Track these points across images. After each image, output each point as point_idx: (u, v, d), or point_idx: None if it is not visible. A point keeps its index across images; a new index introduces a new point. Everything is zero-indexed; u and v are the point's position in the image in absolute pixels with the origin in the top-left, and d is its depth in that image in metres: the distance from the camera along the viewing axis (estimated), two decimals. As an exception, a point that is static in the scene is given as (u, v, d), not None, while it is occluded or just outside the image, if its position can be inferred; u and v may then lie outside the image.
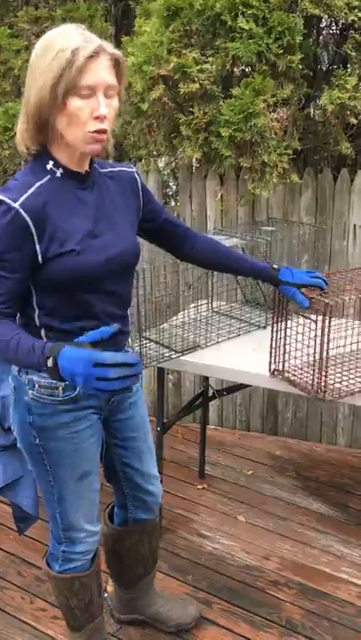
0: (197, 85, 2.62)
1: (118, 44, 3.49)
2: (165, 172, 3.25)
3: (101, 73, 1.37)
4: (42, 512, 1.86)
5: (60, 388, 1.52)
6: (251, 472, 2.94)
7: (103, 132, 1.41)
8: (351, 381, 2.01)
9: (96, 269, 1.47)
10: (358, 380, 2.02)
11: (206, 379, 2.69)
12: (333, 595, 2.22)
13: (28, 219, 1.39)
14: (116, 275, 1.53)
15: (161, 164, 3.22)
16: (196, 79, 2.62)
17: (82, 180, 1.49)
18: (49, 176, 1.45)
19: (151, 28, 2.66)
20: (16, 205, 1.38)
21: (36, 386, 1.52)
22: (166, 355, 2.20)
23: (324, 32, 3.02)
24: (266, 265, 1.87)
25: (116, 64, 1.41)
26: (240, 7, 2.53)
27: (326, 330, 1.80)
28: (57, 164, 1.46)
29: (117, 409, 1.70)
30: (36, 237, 1.41)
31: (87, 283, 1.47)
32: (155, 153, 3.18)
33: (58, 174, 1.46)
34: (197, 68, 2.60)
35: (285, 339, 1.96)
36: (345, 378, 2.02)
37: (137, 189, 1.62)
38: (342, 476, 2.91)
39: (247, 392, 3.16)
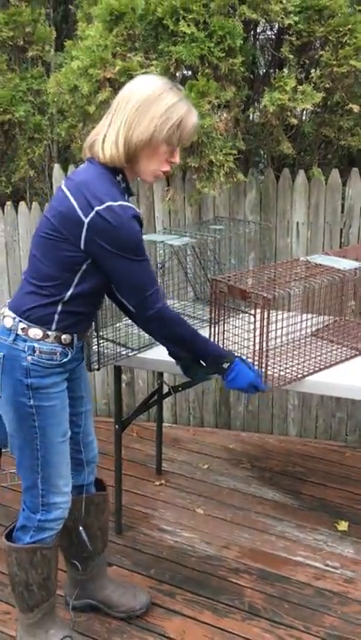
0: (142, 88, 2.66)
1: (59, 48, 3.49)
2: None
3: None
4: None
5: (58, 354, 1.71)
6: (207, 466, 3.01)
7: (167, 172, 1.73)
8: (288, 370, 2.10)
9: None
10: (297, 367, 2.11)
11: (161, 375, 2.74)
12: (292, 578, 2.31)
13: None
14: None
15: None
16: (140, 82, 2.66)
17: (129, 192, 1.75)
18: (117, 186, 1.67)
19: (95, 32, 2.69)
20: (140, 213, 1.66)
21: (37, 352, 1.69)
22: (123, 353, 2.24)
23: (260, 36, 3.12)
24: None
25: None
26: (181, 11, 2.59)
27: (266, 321, 1.89)
28: (124, 179, 1.71)
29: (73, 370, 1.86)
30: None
31: None
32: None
33: (122, 186, 1.70)
34: (142, 71, 2.65)
35: (224, 333, 2.04)
36: (283, 367, 2.10)
37: None
38: (294, 464, 3.01)
39: (200, 388, 3.22)
